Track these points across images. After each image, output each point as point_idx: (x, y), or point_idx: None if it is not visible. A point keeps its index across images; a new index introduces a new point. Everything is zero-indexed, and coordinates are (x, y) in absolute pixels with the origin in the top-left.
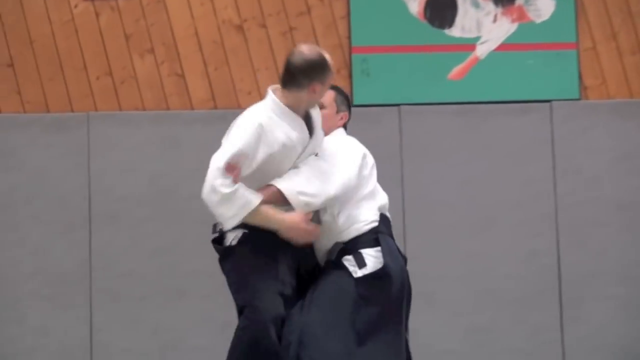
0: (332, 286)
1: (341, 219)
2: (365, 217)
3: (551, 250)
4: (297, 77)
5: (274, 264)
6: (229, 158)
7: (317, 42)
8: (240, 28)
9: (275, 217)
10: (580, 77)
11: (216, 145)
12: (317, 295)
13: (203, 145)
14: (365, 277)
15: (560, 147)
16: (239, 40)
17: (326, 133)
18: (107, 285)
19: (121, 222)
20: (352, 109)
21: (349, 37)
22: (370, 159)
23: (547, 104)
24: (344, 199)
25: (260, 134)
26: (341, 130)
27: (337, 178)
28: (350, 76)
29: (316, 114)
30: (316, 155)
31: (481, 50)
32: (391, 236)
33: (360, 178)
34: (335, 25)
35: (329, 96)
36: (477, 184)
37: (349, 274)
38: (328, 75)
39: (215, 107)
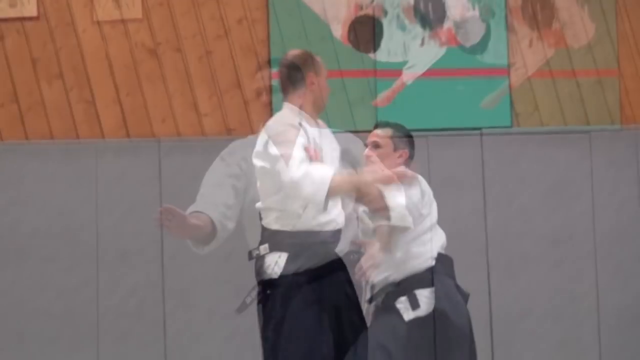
0: (383, 331)
1: (398, 253)
2: (422, 255)
3: (483, 289)
4: (290, 76)
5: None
6: (296, 149)
7: (235, 67)
8: (154, 52)
9: (352, 178)
10: (511, 104)
11: (130, 175)
12: (368, 342)
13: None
14: (417, 319)
15: (491, 177)
16: (152, 64)
17: None
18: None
19: (25, 260)
20: None
21: (269, 61)
22: (429, 196)
23: (478, 133)
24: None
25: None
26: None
27: None
28: (270, 101)
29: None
30: None
31: (408, 76)
32: (450, 276)
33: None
34: (255, 48)
35: (384, 134)
36: None
37: (401, 316)
38: (317, 64)
39: (128, 136)
